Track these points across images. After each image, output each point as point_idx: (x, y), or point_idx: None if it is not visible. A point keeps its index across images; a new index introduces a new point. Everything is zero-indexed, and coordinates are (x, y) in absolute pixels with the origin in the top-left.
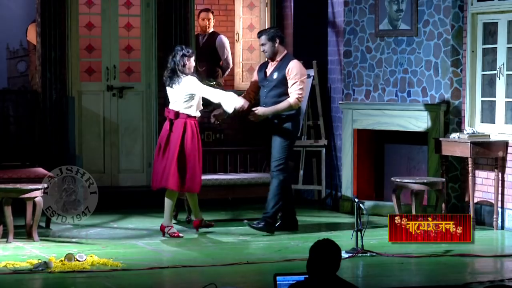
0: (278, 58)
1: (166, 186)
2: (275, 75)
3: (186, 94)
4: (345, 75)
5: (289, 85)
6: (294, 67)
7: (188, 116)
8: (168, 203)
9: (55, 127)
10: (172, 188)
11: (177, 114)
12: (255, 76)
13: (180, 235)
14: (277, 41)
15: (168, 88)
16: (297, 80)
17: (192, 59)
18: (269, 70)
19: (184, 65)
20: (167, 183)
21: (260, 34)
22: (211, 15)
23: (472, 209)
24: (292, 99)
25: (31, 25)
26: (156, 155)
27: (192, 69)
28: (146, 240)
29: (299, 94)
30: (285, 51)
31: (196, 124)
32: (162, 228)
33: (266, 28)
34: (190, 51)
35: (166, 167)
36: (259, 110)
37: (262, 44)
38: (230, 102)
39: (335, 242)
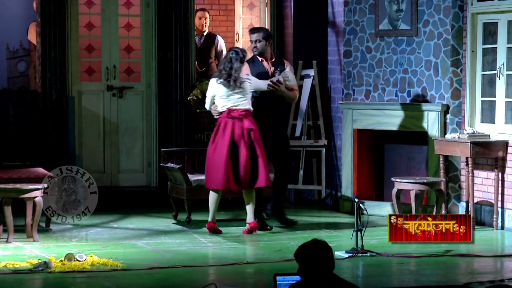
0: (273, 58)
1: (262, 185)
2: (277, 74)
3: (252, 92)
4: (345, 75)
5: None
6: (291, 66)
7: (251, 111)
8: (253, 199)
9: (55, 127)
10: (268, 185)
11: (247, 112)
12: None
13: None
14: (270, 41)
15: (223, 89)
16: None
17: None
18: (269, 69)
19: (240, 71)
20: (264, 181)
21: (255, 30)
22: (207, 15)
23: (472, 209)
24: (297, 93)
25: (32, 25)
26: (228, 156)
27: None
28: (146, 240)
29: (298, 90)
30: (272, 52)
31: None
32: (255, 225)
33: (260, 26)
34: (245, 54)
35: (264, 164)
36: (279, 85)
37: (256, 41)
38: (288, 79)
39: (324, 240)
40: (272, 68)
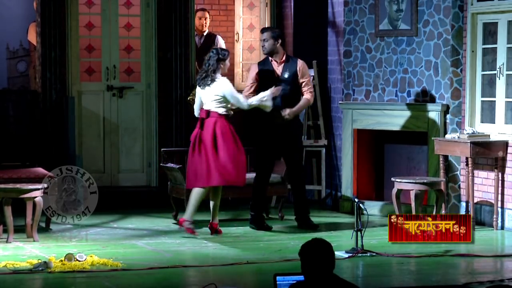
0: (283, 58)
1: (209, 184)
2: (286, 74)
3: (218, 95)
4: (345, 75)
5: (302, 83)
6: (304, 66)
7: (219, 114)
8: (198, 199)
9: (55, 127)
10: (216, 184)
11: (208, 112)
12: (254, 76)
13: (195, 233)
14: (279, 41)
15: (199, 90)
16: (309, 78)
17: (227, 61)
18: (277, 69)
19: (216, 69)
20: (210, 181)
21: (264, 30)
22: (207, 15)
23: (472, 209)
24: (309, 96)
25: (32, 25)
26: (190, 155)
27: (226, 70)
28: (146, 240)
29: (312, 91)
30: (284, 52)
31: (227, 122)
32: (182, 222)
33: (270, 26)
34: (226, 53)
35: (206, 165)
36: (289, 111)
37: (264, 40)
38: (264, 100)
39: (326, 240)
40: (281, 69)
